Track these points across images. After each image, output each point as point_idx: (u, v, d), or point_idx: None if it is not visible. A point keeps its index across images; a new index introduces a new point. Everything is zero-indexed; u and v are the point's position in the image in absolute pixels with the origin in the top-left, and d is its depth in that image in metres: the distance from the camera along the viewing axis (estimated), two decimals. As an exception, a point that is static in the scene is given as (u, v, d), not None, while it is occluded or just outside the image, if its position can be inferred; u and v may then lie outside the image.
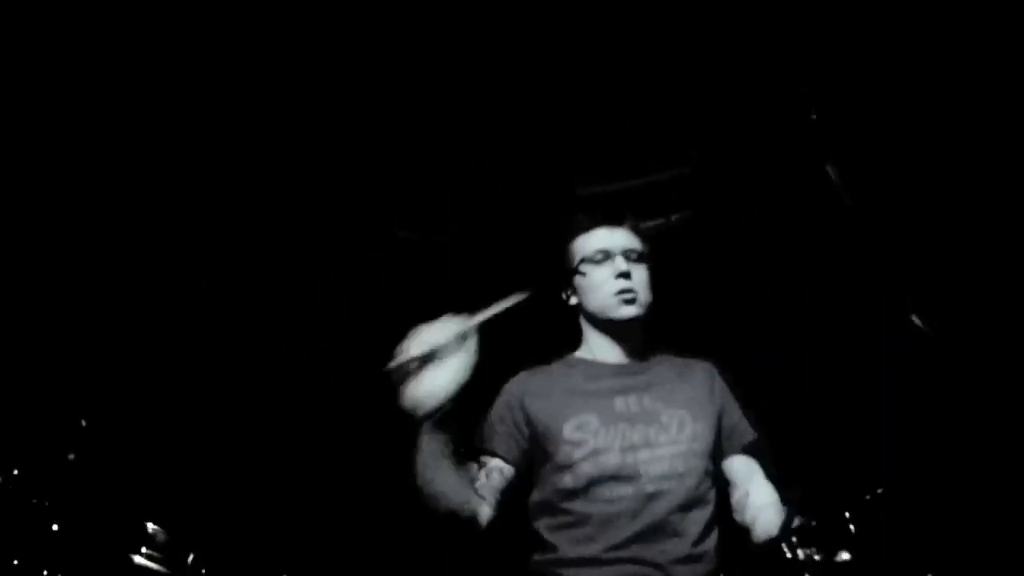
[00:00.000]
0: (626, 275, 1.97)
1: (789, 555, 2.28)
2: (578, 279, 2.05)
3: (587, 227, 2.08)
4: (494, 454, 1.93)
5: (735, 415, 2.02)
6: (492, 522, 1.85)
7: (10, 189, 2.95)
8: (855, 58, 3.02)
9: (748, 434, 2.00)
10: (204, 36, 2.83)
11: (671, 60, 3.03)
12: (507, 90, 3.07)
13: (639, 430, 1.88)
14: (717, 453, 1.98)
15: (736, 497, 1.90)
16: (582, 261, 2.04)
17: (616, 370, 2.02)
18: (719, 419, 1.99)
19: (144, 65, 2.88)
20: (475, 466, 1.90)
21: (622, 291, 1.98)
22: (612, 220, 2.08)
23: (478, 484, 1.87)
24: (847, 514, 2.33)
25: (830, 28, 2.95)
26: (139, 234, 3.21)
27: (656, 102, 3.17)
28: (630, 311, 1.98)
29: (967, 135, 3.01)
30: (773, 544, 1.56)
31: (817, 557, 2.31)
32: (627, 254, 2.02)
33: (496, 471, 1.90)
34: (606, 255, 2.01)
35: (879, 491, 2.35)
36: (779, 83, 3.13)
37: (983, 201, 3.04)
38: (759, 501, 1.84)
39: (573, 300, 2.09)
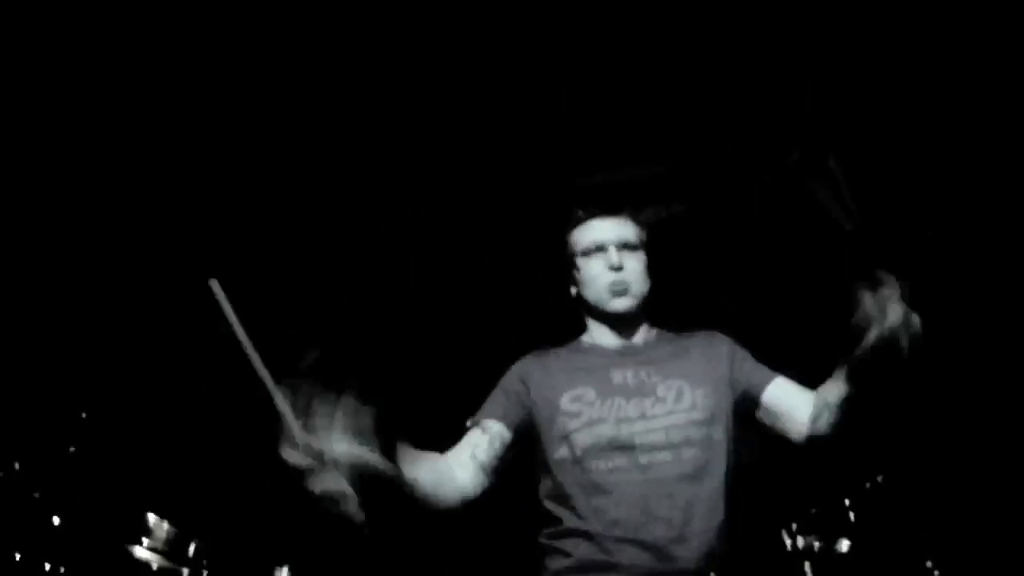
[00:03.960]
0: (618, 268, 2.01)
1: (789, 544, 2.29)
2: (576, 272, 2.09)
3: (582, 220, 2.12)
4: (494, 418, 1.97)
5: (750, 360, 2.01)
6: (491, 489, 1.90)
7: (10, 189, 2.96)
8: (856, 51, 3.02)
9: (771, 374, 1.99)
10: (204, 36, 2.83)
11: (672, 51, 3.03)
12: (507, 83, 3.07)
13: (635, 403, 1.91)
14: (747, 402, 1.95)
15: (798, 413, 1.88)
16: (578, 254, 2.08)
17: (616, 351, 2.05)
18: (730, 374, 1.98)
19: (144, 65, 2.88)
20: (476, 430, 1.93)
21: (614, 283, 2.00)
22: (606, 211, 2.11)
23: (475, 447, 1.91)
24: (847, 502, 2.35)
25: (831, 20, 2.95)
26: (139, 231, 3.22)
27: (657, 93, 3.17)
28: (622, 303, 2.02)
29: (967, 129, 3.01)
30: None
31: (817, 545, 2.33)
32: (621, 245, 2.04)
33: (495, 434, 1.94)
34: (600, 247, 2.05)
35: (878, 480, 2.37)
36: (780, 75, 3.14)
37: (983, 196, 3.04)
38: (824, 397, 1.83)
39: (574, 291, 2.12)
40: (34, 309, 2.98)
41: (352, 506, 1.50)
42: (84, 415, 2.62)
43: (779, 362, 2.05)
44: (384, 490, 1.60)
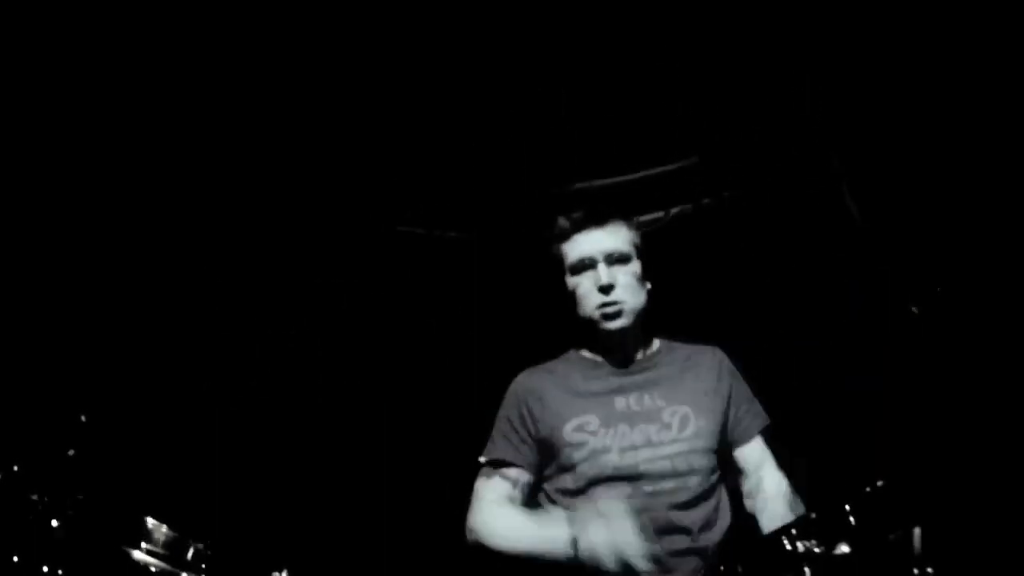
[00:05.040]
0: (607, 288, 1.94)
1: (789, 548, 2.29)
2: (567, 288, 2.03)
3: (568, 233, 2.03)
4: (514, 465, 1.97)
5: (745, 402, 1.99)
6: None
7: (10, 189, 2.95)
8: (858, 52, 3.02)
9: (759, 420, 1.97)
10: (204, 36, 2.83)
11: (672, 53, 3.03)
12: (507, 84, 3.07)
13: (640, 429, 1.88)
14: (727, 442, 1.95)
15: (747, 486, 1.89)
16: (567, 270, 2.02)
17: (616, 369, 2.01)
18: (727, 407, 1.96)
19: (144, 65, 2.88)
20: (506, 483, 1.93)
21: (604, 305, 1.95)
22: (592, 221, 2.02)
23: (510, 497, 1.96)
24: (847, 507, 2.35)
25: (832, 21, 2.95)
26: (139, 234, 3.21)
27: (656, 96, 3.17)
28: (614, 325, 1.97)
29: (970, 131, 3.00)
30: (776, 535, 1.56)
31: (817, 550, 2.32)
32: (609, 257, 1.98)
33: (523, 483, 1.97)
34: (588, 263, 1.99)
35: (879, 484, 2.36)
36: (780, 77, 3.13)
37: (986, 197, 3.03)
38: (770, 491, 1.83)
39: (569, 305, 2.07)
40: (34, 311, 2.97)
41: None
42: (83, 418, 2.62)
43: (779, 369, 2.04)
44: None
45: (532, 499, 1.97)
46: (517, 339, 3.15)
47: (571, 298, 2.02)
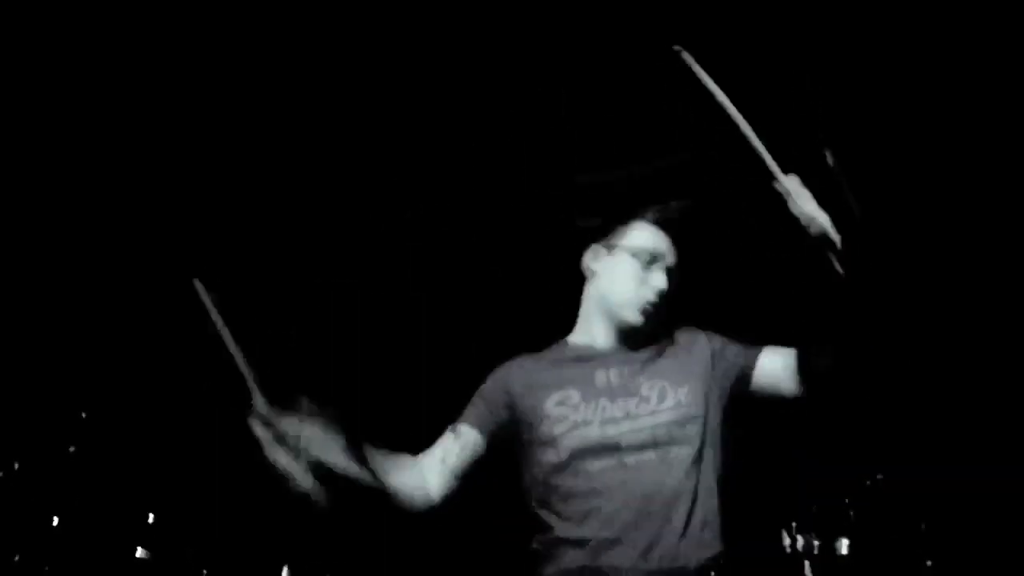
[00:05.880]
0: (663, 293, 1.96)
1: (789, 542, 2.30)
2: (609, 258, 2.05)
3: (650, 219, 2.03)
4: (469, 424, 1.95)
5: (732, 347, 2.00)
6: (451, 495, 1.89)
7: (10, 189, 2.96)
8: (858, 48, 3.03)
9: (756, 349, 1.97)
10: (204, 36, 2.84)
11: (670, 55, 3.03)
12: (507, 79, 3.07)
13: (619, 403, 1.90)
14: (741, 381, 1.94)
15: (785, 376, 1.88)
16: (624, 246, 2.03)
17: (603, 352, 2.04)
18: (710, 364, 1.97)
19: (144, 65, 2.88)
20: (450, 435, 1.94)
21: (648, 304, 1.99)
22: (671, 228, 2.04)
23: (447, 452, 1.91)
24: (846, 501, 2.36)
25: (831, 21, 2.96)
26: (139, 233, 3.22)
27: (657, 89, 3.17)
28: (640, 321, 2.00)
29: (969, 130, 3.01)
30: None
31: (816, 544, 2.33)
32: (669, 268, 1.99)
33: (467, 441, 1.92)
34: (653, 259, 2.01)
35: (878, 478, 2.37)
36: (781, 72, 3.14)
37: (985, 195, 3.04)
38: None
39: (590, 269, 2.08)
40: (34, 309, 2.98)
41: (309, 488, 1.57)
42: (84, 415, 2.62)
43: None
44: (350, 486, 1.65)
45: (481, 464, 1.91)
46: (515, 339, 3.15)
47: (604, 271, 2.03)
